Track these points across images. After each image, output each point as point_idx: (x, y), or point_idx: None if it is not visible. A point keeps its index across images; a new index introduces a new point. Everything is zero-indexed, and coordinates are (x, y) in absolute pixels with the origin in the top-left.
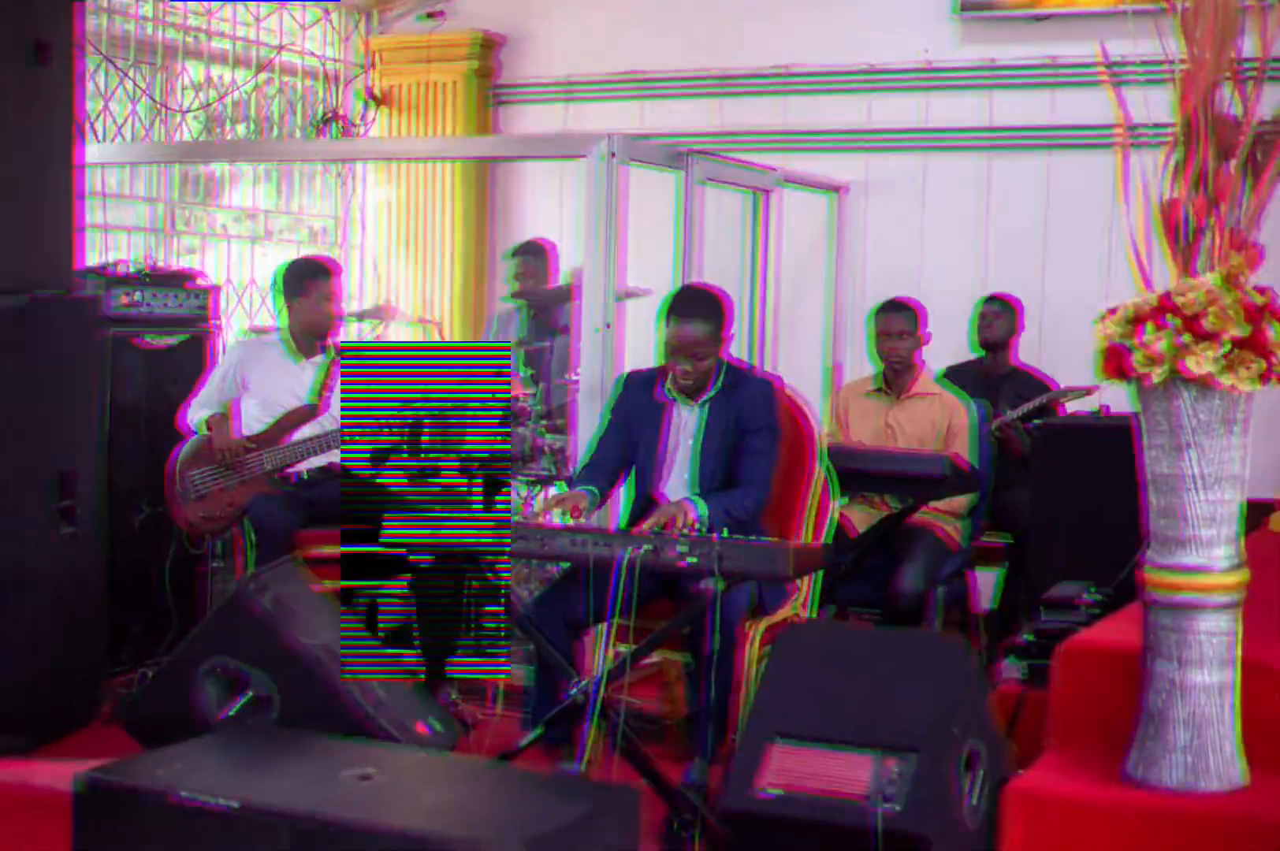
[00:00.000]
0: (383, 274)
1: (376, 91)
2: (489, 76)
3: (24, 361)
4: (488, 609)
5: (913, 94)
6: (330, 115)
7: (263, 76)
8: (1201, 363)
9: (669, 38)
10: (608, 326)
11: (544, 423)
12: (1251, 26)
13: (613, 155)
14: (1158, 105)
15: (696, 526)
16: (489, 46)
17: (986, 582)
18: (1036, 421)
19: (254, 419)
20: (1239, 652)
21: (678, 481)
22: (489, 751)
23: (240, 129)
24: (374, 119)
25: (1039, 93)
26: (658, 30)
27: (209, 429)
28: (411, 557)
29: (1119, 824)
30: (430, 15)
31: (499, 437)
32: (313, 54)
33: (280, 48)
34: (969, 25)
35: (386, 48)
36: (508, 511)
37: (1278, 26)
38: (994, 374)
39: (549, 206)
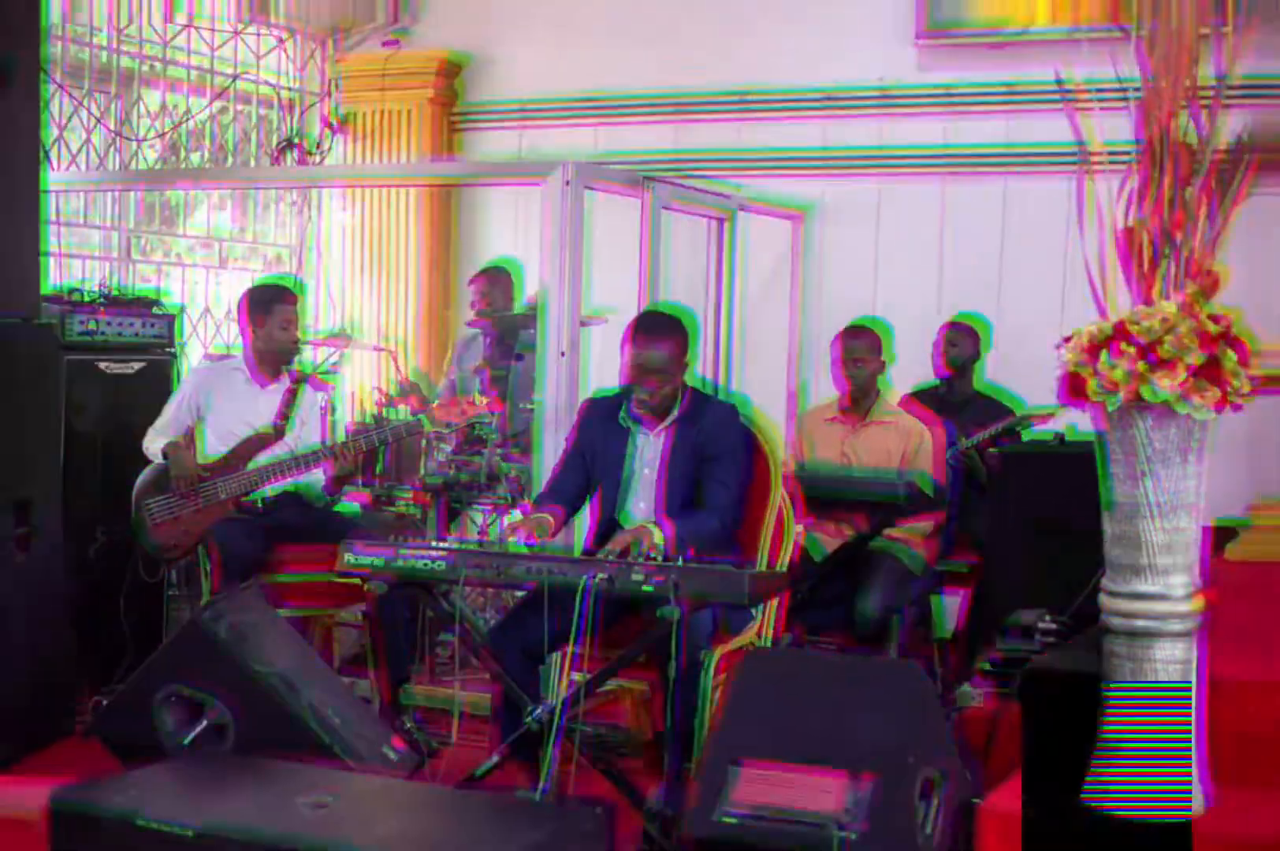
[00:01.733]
0: (338, 301)
1: (333, 119)
2: (449, 101)
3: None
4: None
5: (872, 117)
6: (286, 143)
7: (219, 104)
8: (1159, 390)
9: (627, 61)
10: (562, 354)
11: (501, 450)
12: (1209, 53)
13: (567, 183)
14: (1115, 130)
15: (654, 553)
16: (448, 72)
17: (951, 607)
18: (993, 449)
19: (213, 446)
20: (1194, 680)
21: (639, 506)
22: (448, 778)
23: (196, 157)
24: (330, 147)
25: (998, 117)
26: (616, 54)
27: (166, 456)
28: (367, 586)
29: (1088, 841)
30: (385, 44)
31: None
32: (268, 83)
33: (236, 76)
34: (928, 50)
35: (346, 74)
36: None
37: (1234, 53)
38: (954, 400)
39: (510, 231)
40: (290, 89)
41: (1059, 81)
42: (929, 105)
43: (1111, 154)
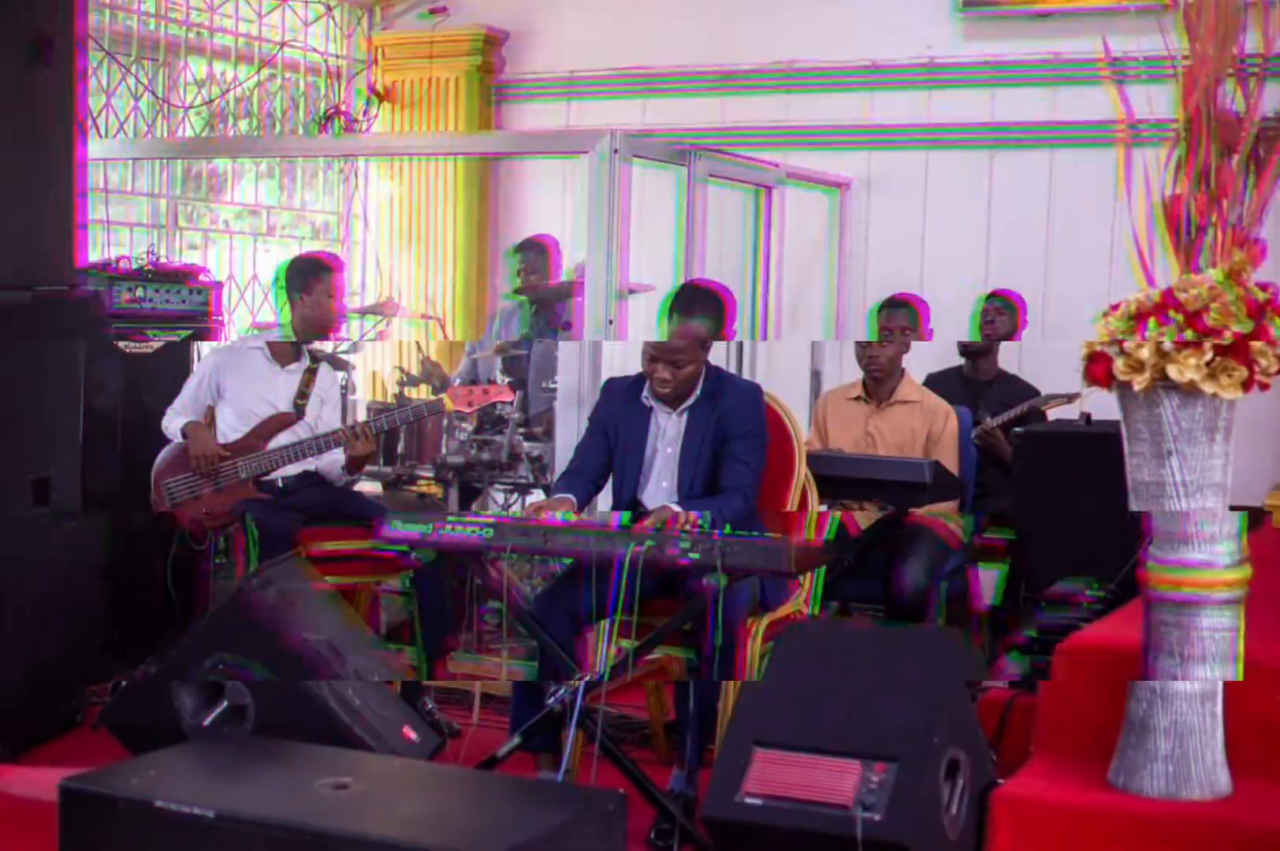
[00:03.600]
0: (385, 270)
1: (379, 88)
2: (491, 73)
3: (26, 357)
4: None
5: (915, 91)
6: (333, 111)
7: (265, 73)
8: (1185, 370)
9: (671, 35)
10: (610, 322)
11: (523, 430)
12: (1254, 23)
13: (615, 152)
14: (1160, 102)
15: (699, 523)
16: (491, 43)
17: (989, 579)
18: (1016, 429)
19: (230, 427)
20: (1241, 649)
21: (659, 488)
22: (469, 760)
23: (243, 125)
24: (376, 115)
25: (1041, 89)
26: (660, 27)
27: (185, 436)
28: (415, 553)
29: (1105, 830)
30: (433, 11)
31: None
32: (315, 50)
33: (283, 44)
34: (971, 22)
35: (389, 44)
36: None
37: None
38: (977, 380)
39: (551, 203)
40: (335, 57)
41: (1104, 53)
42: (973, 78)
43: (1156, 124)
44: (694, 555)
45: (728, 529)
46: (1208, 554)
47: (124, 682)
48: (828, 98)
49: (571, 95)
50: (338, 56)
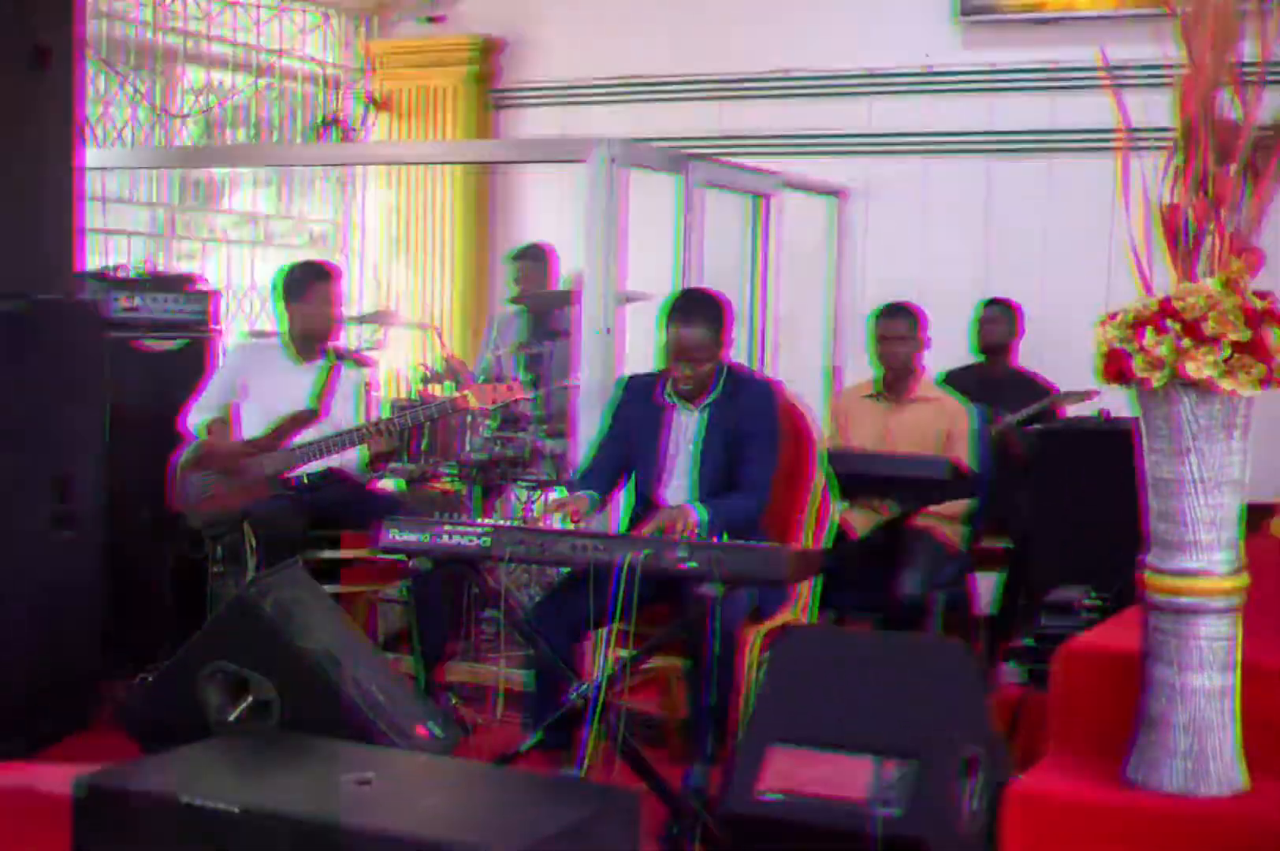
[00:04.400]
0: (382, 278)
1: (376, 96)
2: (488, 81)
3: (25, 365)
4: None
5: (913, 97)
6: (330, 119)
7: (262, 81)
8: (1201, 367)
9: (668, 42)
10: (608, 331)
11: (544, 427)
12: (1251, 30)
13: (612, 160)
14: (1158, 109)
15: (696, 531)
16: (488, 51)
17: (986, 586)
18: (1036, 426)
19: (253, 424)
20: (1239, 657)
21: (677, 485)
22: (489, 755)
23: (240, 133)
24: (374, 123)
25: (1040, 96)
26: (657, 34)
27: (208, 433)
28: (412, 562)
29: (1120, 826)
30: (431, 19)
31: None
32: (312, 59)
33: (280, 52)
34: (970, 29)
35: (386, 52)
36: None
37: (1277, 30)
38: (994, 378)
39: (549, 211)
40: (332, 65)
41: (1101, 60)
42: (972, 86)
43: (1154, 131)
44: (691, 563)
45: (725, 536)
46: (1205, 562)
47: (138, 681)
48: (826, 105)
49: (568, 103)
50: (335, 65)
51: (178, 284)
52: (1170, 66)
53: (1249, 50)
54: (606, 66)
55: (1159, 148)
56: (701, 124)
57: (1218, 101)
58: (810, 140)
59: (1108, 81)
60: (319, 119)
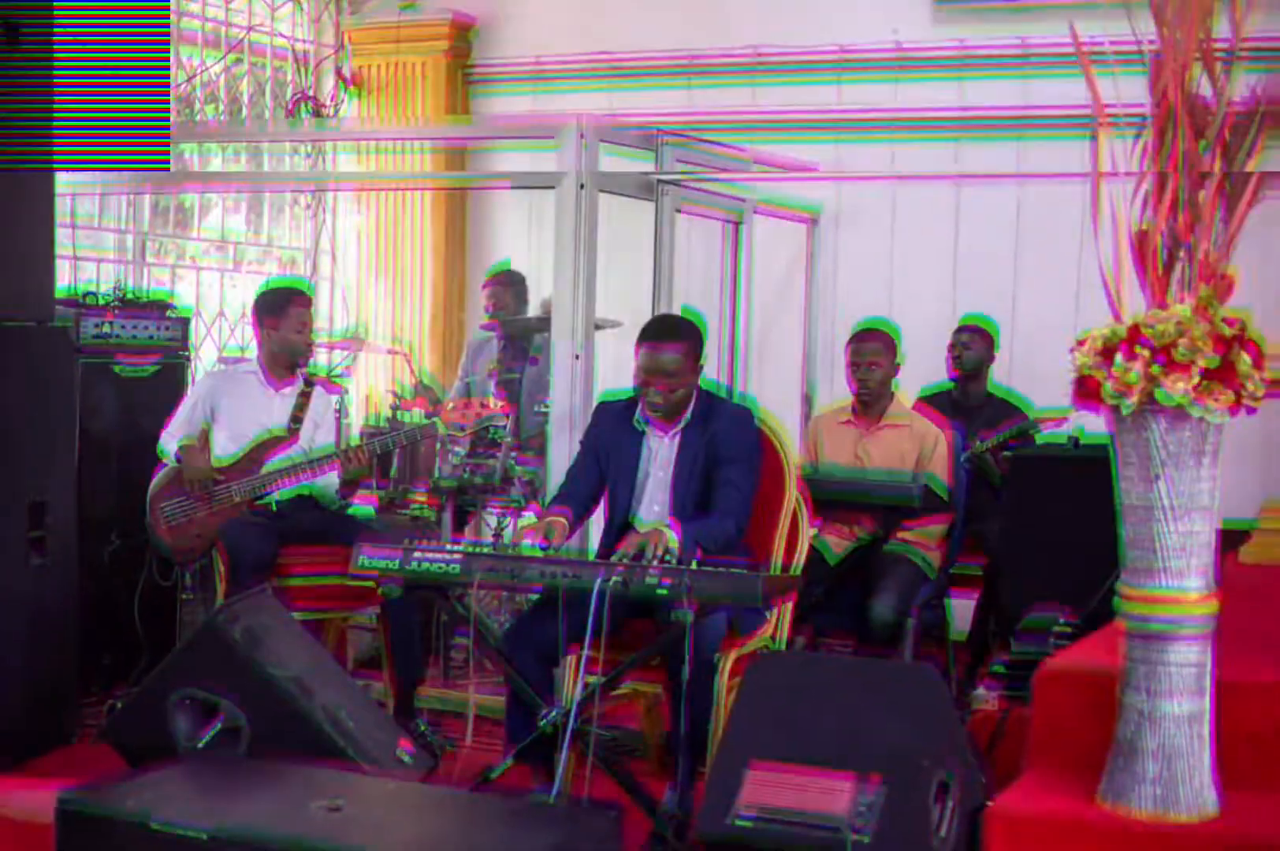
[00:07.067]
0: (353, 303)
1: (347, 73)
2: (461, 59)
3: (19, 383)
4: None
5: (884, 77)
6: (301, 96)
7: (232, 58)
8: (1172, 393)
9: (641, 21)
10: (576, 357)
11: (514, 454)
12: (1224, 8)
13: (582, 137)
14: (1131, 89)
15: (667, 556)
16: (461, 29)
17: (963, 609)
18: (1006, 452)
19: (224, 449)
20: (1207, 683)
21: (652, 509)
22: (461, 780)
23: (210, 111)
24: (344, 101)
25: (1013, 77)
26: (629, 13)
27: (180, 459)
28: (380, 589)
29: (1097, 845)
30: (411, 3)
31: None
32: (283, 36)
33: (250, 29)
34: (942, 9)
35: (358, 30)
36: None
37: (1250, 8)
38: (966, 403)
39: (522, 235)
40: (304, 42)
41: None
42: (943, 65)
43: (1127, 115)
44: (661, 591)
45: (694, 565)
46: (1175, 588)
47: (108, 707)
48: (797, 86)
49: (540, 81)
50: (306, 42)
51: (151, 308)
52: (1143, 44)
53: (1221, 28)
54: (577, 45)
55: (1131, 126)
56: (674, 104)
57: (1190, 77)
58: (782, 120)
59: (1081, 59)
60: (291, 95)
